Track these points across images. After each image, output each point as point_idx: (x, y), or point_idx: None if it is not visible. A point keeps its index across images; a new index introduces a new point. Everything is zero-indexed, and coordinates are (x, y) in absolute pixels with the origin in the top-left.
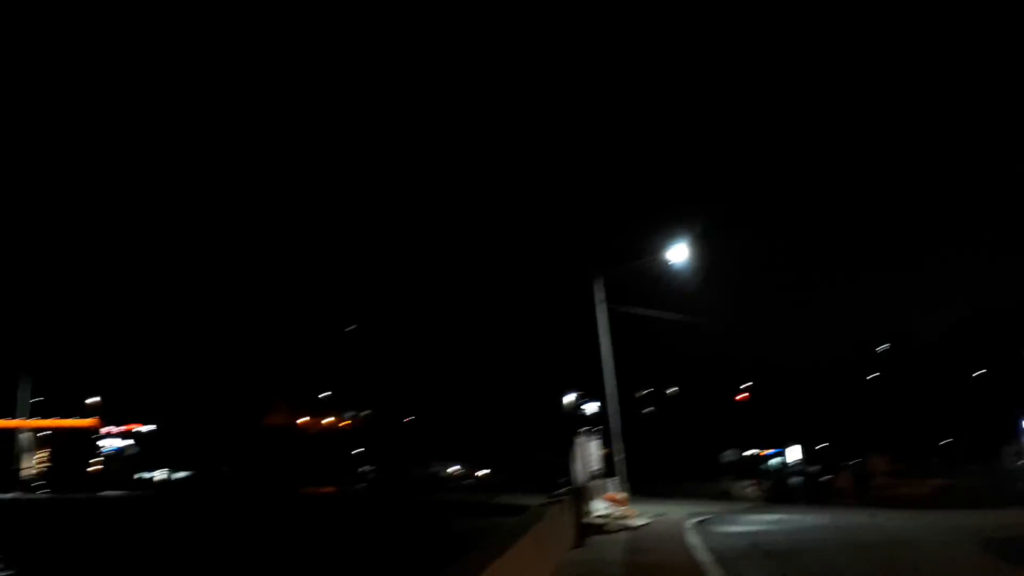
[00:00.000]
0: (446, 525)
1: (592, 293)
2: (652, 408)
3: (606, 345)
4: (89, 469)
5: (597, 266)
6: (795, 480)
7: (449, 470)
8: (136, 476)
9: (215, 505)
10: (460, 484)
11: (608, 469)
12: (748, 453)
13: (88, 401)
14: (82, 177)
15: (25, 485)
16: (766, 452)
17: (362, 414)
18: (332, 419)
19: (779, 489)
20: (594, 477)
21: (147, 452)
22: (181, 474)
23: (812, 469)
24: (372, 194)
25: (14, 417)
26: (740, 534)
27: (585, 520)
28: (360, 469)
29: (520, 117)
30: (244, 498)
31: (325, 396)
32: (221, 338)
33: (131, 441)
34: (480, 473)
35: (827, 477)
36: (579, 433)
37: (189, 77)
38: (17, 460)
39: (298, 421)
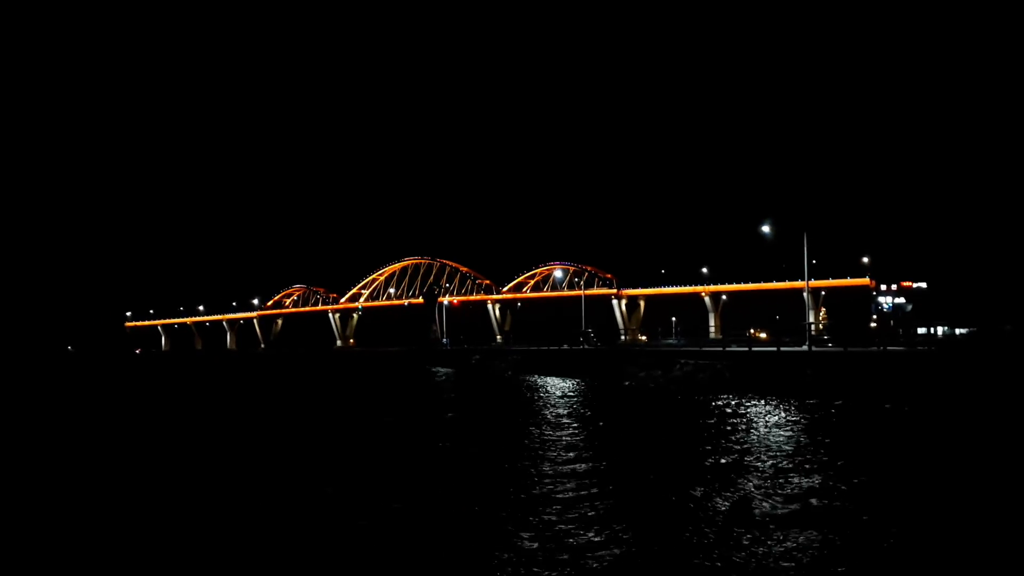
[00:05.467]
0: None
1: None
2: None
3: None
4: (869, 325)
5: None
6: None
7: None
8: (918, 331)
9: (998, 363)
10: None
11: None
12: None
13: (862, 260)
14: None
15: (814, 339)
16: None
17: None
18: None
19: None
20: None
21: (921, 308)
22: (962, 330)
23: None
24: None
25: (800, 279)
26: None
27: None
28: None
29: None
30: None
31: None
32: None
33: (902, 299)
34: None
35: None
36: None
37: None
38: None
39: None
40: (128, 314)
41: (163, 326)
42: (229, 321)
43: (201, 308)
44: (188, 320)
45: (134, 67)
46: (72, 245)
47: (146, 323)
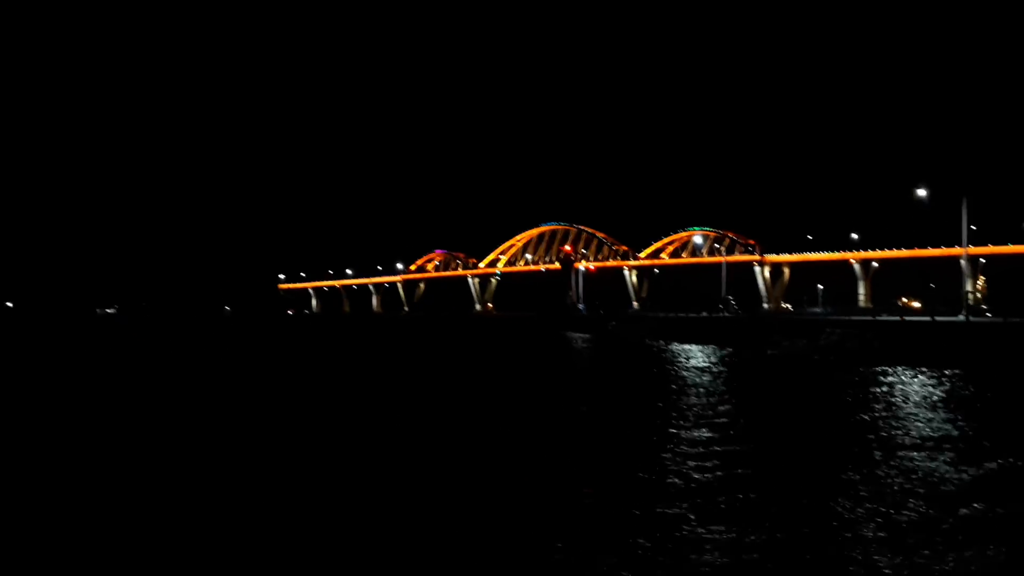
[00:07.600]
0: None
1: None
2: None
3: None
4: None
5: None
6: None
7: None
8: None
9: None
10: None
11: None
12: None
13: None
14: None
15: (972, 309)
16: None
17: None
18: None
19: None
20: None
21: None
22: None
23: None
24: None
25: (957, 245)
26: None
27: None
28: None
29: None
30: None
31: None
32: None
33: None
34: None
35: None
36: None
37: None
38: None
39: None
40: (281, 277)
41: (313, 289)
42: (375, 285)
43: (349, 272)
44: (336, 283)
45: (288, 64)
46: (233, 212)
47: (298, 285)
